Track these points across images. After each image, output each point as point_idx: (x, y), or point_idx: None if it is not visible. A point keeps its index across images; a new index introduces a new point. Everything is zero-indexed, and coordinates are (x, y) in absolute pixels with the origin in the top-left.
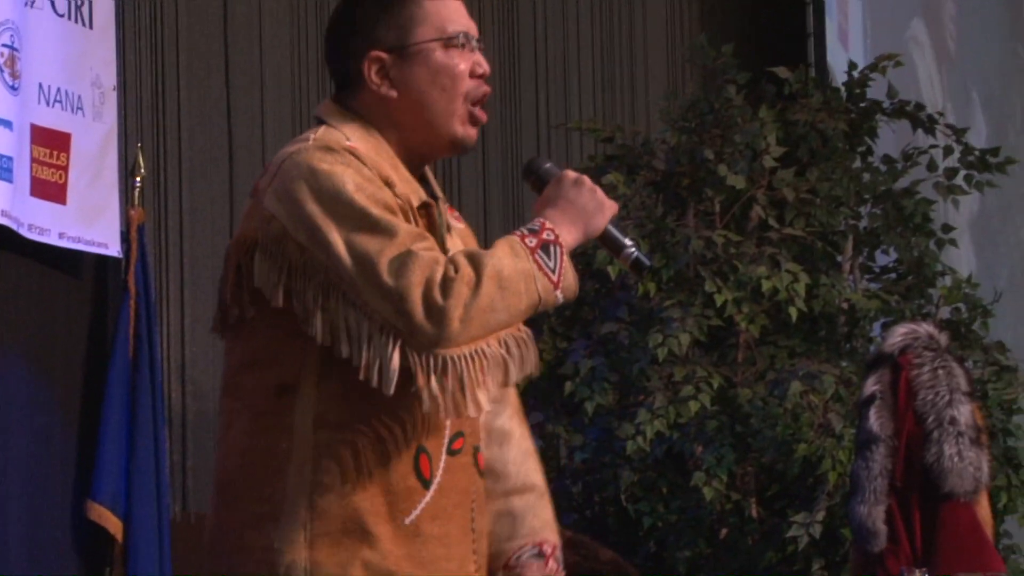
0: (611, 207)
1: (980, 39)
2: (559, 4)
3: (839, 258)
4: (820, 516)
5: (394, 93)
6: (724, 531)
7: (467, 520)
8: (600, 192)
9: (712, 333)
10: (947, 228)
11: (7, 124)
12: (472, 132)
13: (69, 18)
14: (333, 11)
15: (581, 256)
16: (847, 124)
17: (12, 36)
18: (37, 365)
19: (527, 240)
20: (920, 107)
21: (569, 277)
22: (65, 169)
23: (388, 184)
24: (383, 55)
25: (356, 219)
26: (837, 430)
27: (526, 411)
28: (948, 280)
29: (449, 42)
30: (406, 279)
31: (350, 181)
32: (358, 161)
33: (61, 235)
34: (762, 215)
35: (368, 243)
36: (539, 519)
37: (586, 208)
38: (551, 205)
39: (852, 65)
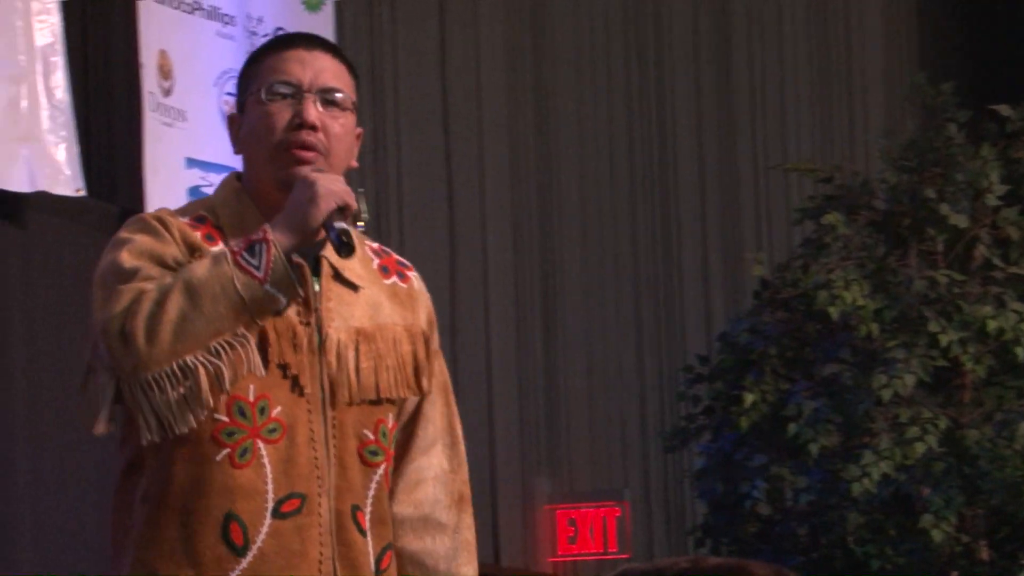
0: (328, 197)
1: None
2: (775, 45)
3: None
4: None
5: (241, 149)
6: (954, 574)
7: None
8: (320, 185)
9: (937, 374)
10: None
11: (230, 171)
12: (295, 171)
13: None
14: None
15: (801, 298)
16: None
17: (236, 85)
18: None
19: (234, 246)
20: None
21: (279, 270)
22: None
23: (192, 248)
24: (236, 116)
25: (111, 274)
26: None
27: (749, 453)
28: None
29: (264, 92)
30: (107, 312)
31: (130, 245)
32: (160, 226)
33: None
34: (986, 254)
35: (108, 293)
36: None
37: (299, 201)
38: (283, 210)
39: None
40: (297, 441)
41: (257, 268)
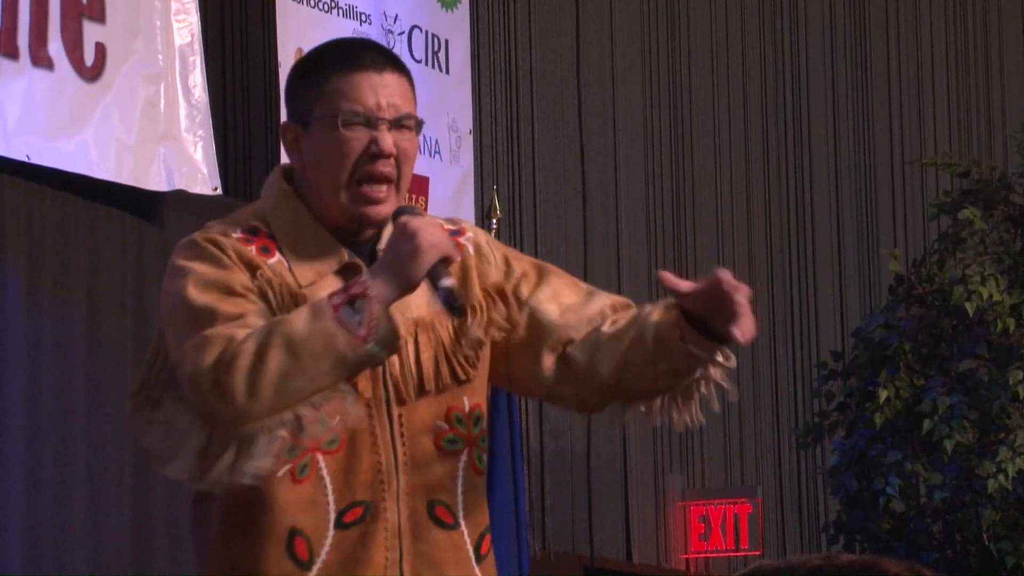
0: (431, 251)
1: None
2: (913, 39)
3: None
4: None
5: (302, 163)
6: None
7: None
8: (422, 238)
9: None
10: None
11: None
12: (368, 209)
13: (426, 64)
14: None
15: (937, 293)
16: None
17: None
18: None
19: (334, 299)
20: None
21: (382, 328)
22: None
23: (252, 267)
24: (293, 126)
25: (184, 314)
26: None
27: (884, 449)
28: None
29: (340, 120)
30: (198, 362)
31: (194, 277)
32: (217, 251)
33: None
34: None
35: (185, 335)
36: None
37: (400, 255)
38: (380, 258)
39: None
40: (357, 449)
41: (359, 325)
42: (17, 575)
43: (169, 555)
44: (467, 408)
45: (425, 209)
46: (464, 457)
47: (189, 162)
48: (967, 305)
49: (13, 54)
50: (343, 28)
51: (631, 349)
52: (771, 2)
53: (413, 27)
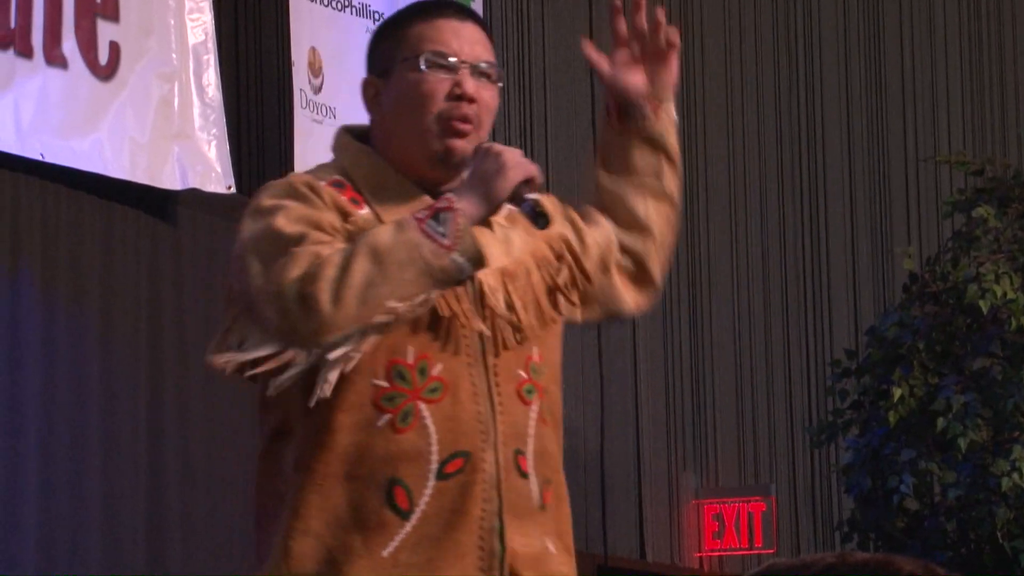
0: (516, 168)
1: None
2: (927, 36)
3: None
4: None
5: (382, 115)
6: None
7: (471, 539)
8: (507, 157)
9: None
10: None
11: None
12: (453, 143)
13: None
14: None
15: (951, 291)
16: None
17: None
18: None
19: (418, 214)
20: None
21: (467, 239)
22: None
23: (344, 212)
24: (375, 80)
25: (271, 241)
26: None
27: (898, 447)
28: None
29: (421, 62)
30: (283, 278)
31: (285, 211)
32: (309, 192)
33: None
34: None
35: (272, 260)
36: None
37: (486, 172)
38: (464, 179)
39: None
40: (461, 398)
41: (444, 236)
42: (32, 574)
43: (184, 552)
44: (537, 358)
45: None
46: (536, 406)
47: (203, 161)
48: (981, 303)
49: (27, 53)
50: (355, 26)
51: (619, 178)
52: (785, 1)
53: None
